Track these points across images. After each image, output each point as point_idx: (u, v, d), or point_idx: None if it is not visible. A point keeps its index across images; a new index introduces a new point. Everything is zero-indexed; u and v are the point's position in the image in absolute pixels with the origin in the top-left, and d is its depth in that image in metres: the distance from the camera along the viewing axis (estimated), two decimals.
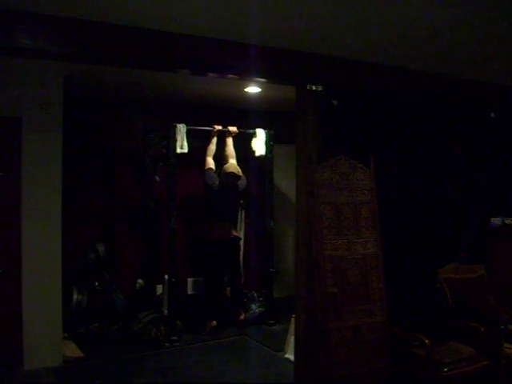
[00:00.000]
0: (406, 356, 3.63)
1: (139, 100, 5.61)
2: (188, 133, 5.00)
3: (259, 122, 5.63)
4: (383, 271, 3.75)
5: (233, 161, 5.31)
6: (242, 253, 5.68)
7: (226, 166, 5.25)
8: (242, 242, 5.67)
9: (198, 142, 5.13)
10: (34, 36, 2.69)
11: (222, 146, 5.32)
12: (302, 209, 3.62)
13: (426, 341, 3.40)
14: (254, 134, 5.52)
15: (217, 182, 5.18)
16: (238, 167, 5.25)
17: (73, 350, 4.49)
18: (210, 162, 5.21)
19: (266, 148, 5.55)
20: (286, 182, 6.21)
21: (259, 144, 5.50)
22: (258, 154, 5.54)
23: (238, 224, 5.62)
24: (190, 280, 5.81)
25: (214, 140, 5.22)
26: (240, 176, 5.26)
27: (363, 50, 3.52)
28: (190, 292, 5.81)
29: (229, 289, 5.57)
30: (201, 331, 5.15)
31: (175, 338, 4.90)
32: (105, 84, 4.96)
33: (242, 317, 5.41)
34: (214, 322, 5.21)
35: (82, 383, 4.06)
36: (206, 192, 5.28)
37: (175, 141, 4.94)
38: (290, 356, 4.27)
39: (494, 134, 4.72)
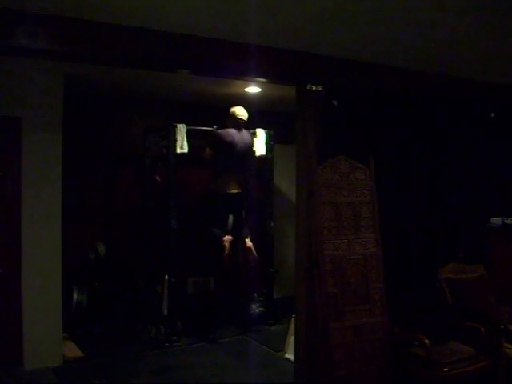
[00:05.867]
0: (406, 356, 3.63)
1: (139, 100, 5.61)
2: (188, 133, 5.00)
3: (259, 122, 5.63)
4: (383, 271, 3.76)
5: None
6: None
7: (232, 108, 5.10)
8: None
9: (198, 142, 5.13)
10: (34, 36, 2.69)
11: None
12: (302, 209, 3.62)
13: (426, 341, 3.40)
14: (254, 134, 5.52)
15: (229, 137, 5.01)
16: (243, 110, 5.10)
17: (73, 350, 4.49)
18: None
19: (266, 148, 5.55)
20: (286, 182, 6.22)
21: (259, 144, 5.50)
22: (258, 154, 5.53)
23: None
24: (190, 280, 5.81)
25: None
26: (244, 120, 5.09)
27: (363, 50, 3.52)
28: (189, 292, 5.81)
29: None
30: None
31: (175, 338, 4.90)
32: (105, 84, 4.96)
33: (248, 243, 5.16)
34: (229, 237, 4.98)
35: (82, 383, 4.07)
36: (217, 148, 5.08)
37: (175, 141, 4.94)
38: (290, 356, 4.27)
39: (494, 134, 4.73)
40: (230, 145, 5.02)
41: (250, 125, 5.52)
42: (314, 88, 3.58)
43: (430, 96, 4.25)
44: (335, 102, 3.74)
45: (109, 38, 2.88)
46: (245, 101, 5.56)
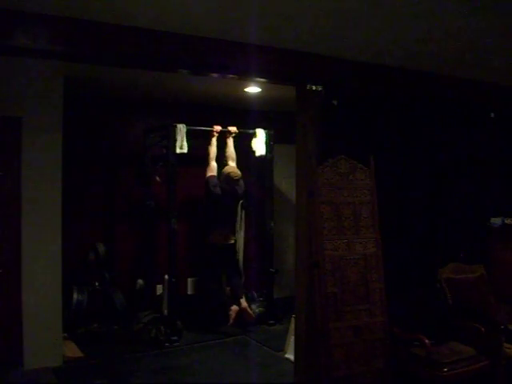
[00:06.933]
0: (406, 356, 3.64)
1: (139, 100, 5.61)
2: (188, 133, 5.00)
3: (259, 122, 5.63)
4: (383, 271, 3.76)
5: (233, 163, 5.31)
6: (241, 255, 5.68)
7: (225, 168, 5.25)
8: (242, 241, 5.67)
9: (198, 142, 5.13)
10: (34, 36, 2.69)
11: (222, 146, 5.32)
12: (302, 209, 3.62)
13: (426, 341, 3.40)
14: (254, 134, 5.52)
15: (218, 190, 5.18)
16: (237, 170, 5.24)
17: (73, 350, 4.49)
18: (214, 168, 5.21)
19: (266, 148, 5.55)
20: (285, 182, 6.22)
21: (259, 144, 5.50)
22: (258, 154, 5.53)
23: (238, 223, 5.62)
24: (189, 280, 5.81)
25: (214, 141, 5.21)
26: (239, 179, 5.24)
27: (363, 50, 3.52)
28: (189, 292, 5.81)
29: (228, 288, 5.56)
30: (226, 323, 5.21)
31: (175, 338, 4.90)
32: (105, 84, 4.96)
33: (243, 304, 5.29)
34: (236, 307, 5.21)
35: (82, 383, 4.07)
36: (207, 198, 5.27)
37: (175, 141, 4.94)
38: (290, 356, 4.27)
39: (494, 134, 4.73)
40: (218, 197, 5.16)
41: (251, 125, 5.53)
42: (313, 88, 3.58)
43: (430, 96, 4.25)
44: (335, 102, 3.74)
45: (109, 37, 2.88)
46: (245, 101, 5.57)
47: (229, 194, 5.23)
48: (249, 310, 5.30)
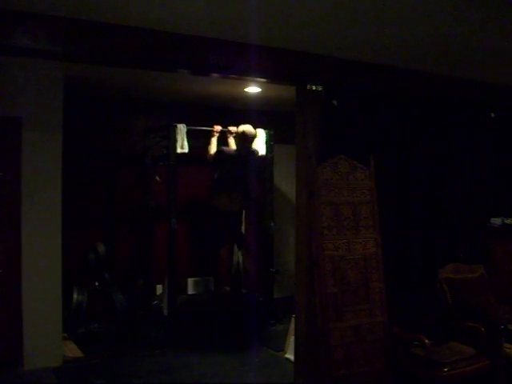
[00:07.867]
0: (406, 356, 3.64)
1: (139, 100, 5.61)
2: (188, 133, 5.00)
3: (259, 122, 5.63)
4: (383, 271, 3.76)
5: None
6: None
7: (239, 127, 5.12)
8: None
9: (198, 142, 5.13)
10: (34, 36, 2.69)
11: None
12: (302, 209, 3.62)
13: (426, 341, 3.40)
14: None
15: (233, 152, 5.11)
16: (252, 129, 5.12)
17: (73, 350, 4.49)
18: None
19: (266, 148, 5.55)
20: (286, 182, 6.22)
21: (259, 144, 5.50)
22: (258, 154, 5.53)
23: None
24: (190, 280, 5.81)
25: (214, 141, 5.21)
26: (253, 138, 5.16)
27: (363, 50, 3.52)
28: (190, 292, 5.81)
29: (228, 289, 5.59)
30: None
31: (175, 338, 4.89)
32: (105, 84, 4.96)
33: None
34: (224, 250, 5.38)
35: (82, 383, 4.07)
36: (218, 165, 5.18)
37: (175, 141, 4.94)
38: (290, 356, 4.27)
39: (494, 134, 4.72)
40: (232, 164, 5.07)
41: (251, 125, 5.52)
42: (314, 88, 3.58)
43: (430, 96, 4.25)
44: (335, 102, 3.74)
45: (109, 37, 2.88)
46: (245, 101, 5.57)
47: (243, 156, 5.12)
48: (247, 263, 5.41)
